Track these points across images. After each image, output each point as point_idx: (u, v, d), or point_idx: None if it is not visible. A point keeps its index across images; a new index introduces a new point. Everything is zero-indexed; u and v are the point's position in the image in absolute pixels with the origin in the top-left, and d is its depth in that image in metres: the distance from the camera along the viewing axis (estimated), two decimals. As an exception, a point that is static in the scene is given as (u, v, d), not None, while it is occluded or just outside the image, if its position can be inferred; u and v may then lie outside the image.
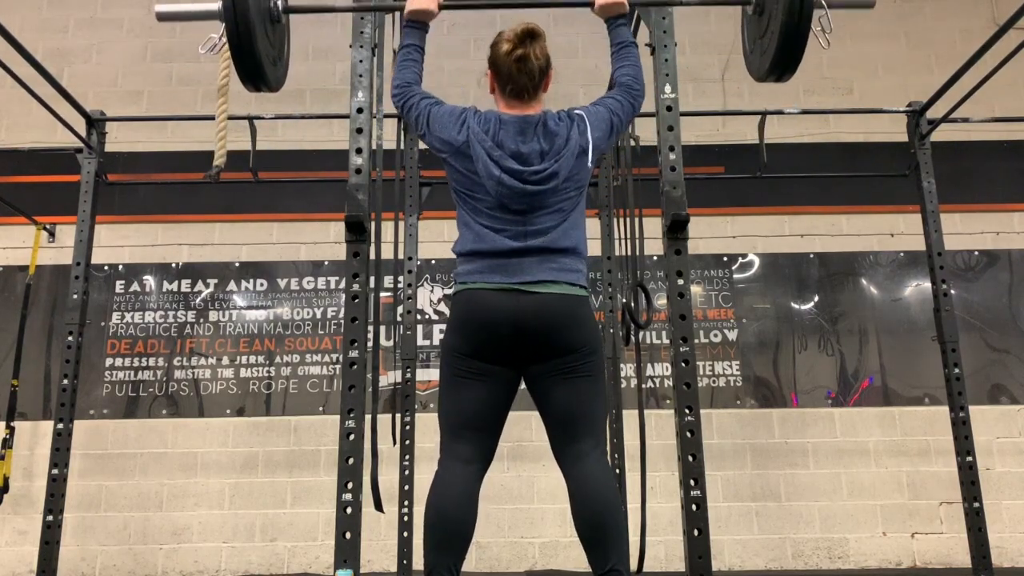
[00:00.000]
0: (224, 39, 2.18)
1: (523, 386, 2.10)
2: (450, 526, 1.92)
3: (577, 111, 2.12)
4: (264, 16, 2.22)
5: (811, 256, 4.78)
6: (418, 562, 3.23)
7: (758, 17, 2.33)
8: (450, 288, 4.63)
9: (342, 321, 3.99)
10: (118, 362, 4.58)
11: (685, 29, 4.31)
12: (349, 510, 1.98)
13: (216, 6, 2.14)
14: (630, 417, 3.52)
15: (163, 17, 2.27)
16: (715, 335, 4.67)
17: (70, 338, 3.36)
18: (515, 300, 1.97)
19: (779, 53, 2.19)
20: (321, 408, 4.53)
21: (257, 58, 2.17)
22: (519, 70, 2.05)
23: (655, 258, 4.20)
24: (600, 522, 1.91)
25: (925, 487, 4.39)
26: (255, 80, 2.24)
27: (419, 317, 4.54)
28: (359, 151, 2.22)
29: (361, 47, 2.30)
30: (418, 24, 2.21)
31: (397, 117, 3.49)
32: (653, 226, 2.56)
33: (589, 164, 2.07)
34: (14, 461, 4.17)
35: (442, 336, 4.53)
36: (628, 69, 2.21)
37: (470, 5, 2.32)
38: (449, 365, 2.05)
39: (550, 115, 2.10)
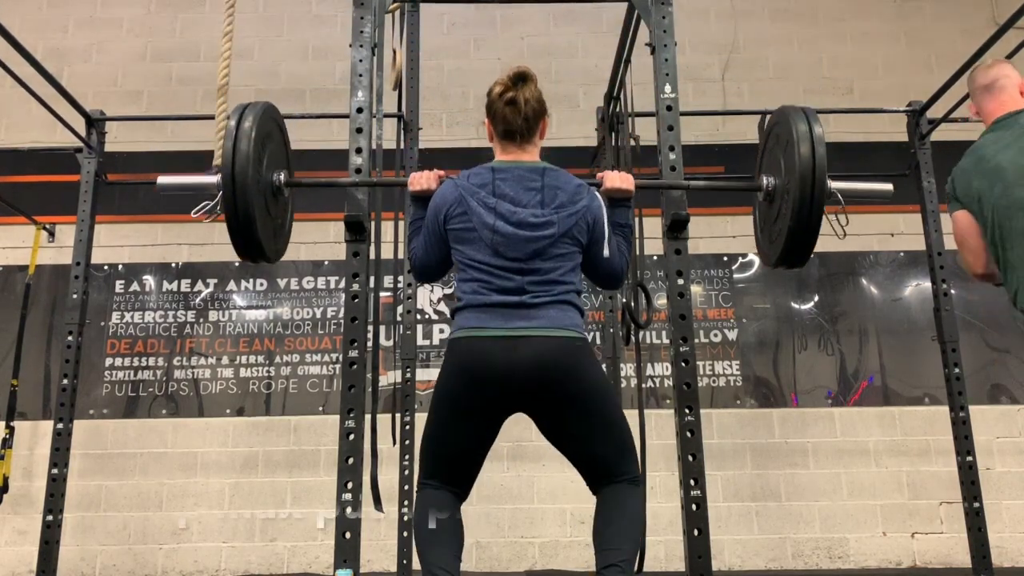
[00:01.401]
0: (220, 204, 1.99)
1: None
2: (442, 537, 1.91)
3: (598, 195, 2.09)
4: (265, 190, 2.09)
5: (811, 256, 4.76)
6: (418, 562, 3.24)
7: (768, 204, 2.24)
8: (450, 288, 4.63)
9: (342, 321, 3.99)
10: (118, 362, 4.58)
11: (685, 29, 4.30)
12: (349, 510, 1.98)
13: (215, 179, 1.98)
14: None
15: (164, 189, 2.16)
16: (715, 335, 4.67)
17: (70, 338, 3.36)
18: (511, 350, 1.91)
19: (785, 253, 2.14)
20: (321, 408, 4.53)
21: (256, 237, 2.02)
22: (511, 111, 2.04)
23: (655, 258, 4.20)
24: (616, 528, 1.89)
25: (925, 487, 4.39)
26: (253, 256, 2.10)
27: (419, 317, 4.53)
28: (359, 151, 2.22)
29: (361, 47, 2.30)
30: (421, 199, 2.16)
31: (397, 117, 3.50)
32: (653, 226, 2.57)
33: (584, 236, 2.02)
34: (14, 461, 4.18)
35: (442, 345, 4.57)
36: (623, 251, 2.14)
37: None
38: (437, 410, 1.99)
39: (562, 173, 2.06)
